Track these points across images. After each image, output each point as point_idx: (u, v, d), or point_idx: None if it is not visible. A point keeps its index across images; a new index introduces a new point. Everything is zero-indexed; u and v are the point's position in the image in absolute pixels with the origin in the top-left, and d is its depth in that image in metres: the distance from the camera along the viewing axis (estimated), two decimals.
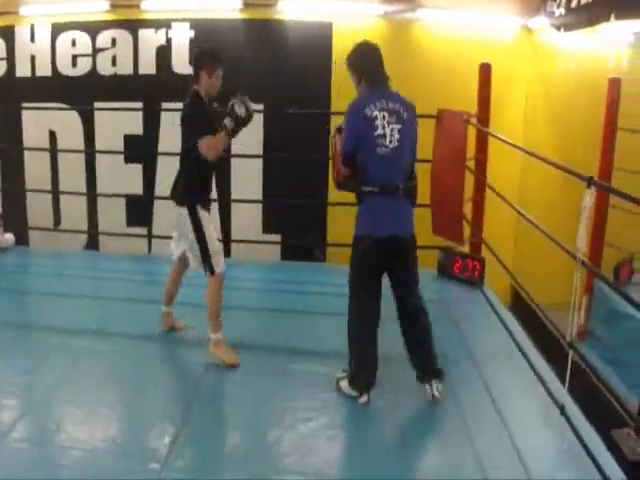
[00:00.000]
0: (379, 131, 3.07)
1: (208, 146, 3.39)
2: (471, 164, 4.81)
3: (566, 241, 3.14)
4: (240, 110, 3.38)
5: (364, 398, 3.15)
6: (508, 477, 2.66)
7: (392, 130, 3.08)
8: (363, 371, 3.17)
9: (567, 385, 3.12)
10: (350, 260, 3.25)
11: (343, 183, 3.27)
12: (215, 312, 3.50)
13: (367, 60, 3.21)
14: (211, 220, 3.60)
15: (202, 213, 3.51)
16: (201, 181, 3.60)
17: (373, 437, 2.96)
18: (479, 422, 3.06)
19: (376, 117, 3.08)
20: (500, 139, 4.36)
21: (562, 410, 2.95)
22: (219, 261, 3.49)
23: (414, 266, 3.29)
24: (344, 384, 3.22)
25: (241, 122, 3.40)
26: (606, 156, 5.62)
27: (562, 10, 5.70)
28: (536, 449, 2.89)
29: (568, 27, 5.89)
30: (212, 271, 3.47)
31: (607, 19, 5.41)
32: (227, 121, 3.39)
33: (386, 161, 3.08)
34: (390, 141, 3.08)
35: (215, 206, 5.98)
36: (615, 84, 5.70)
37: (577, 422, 2.95)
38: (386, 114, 3.09)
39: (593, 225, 5.58)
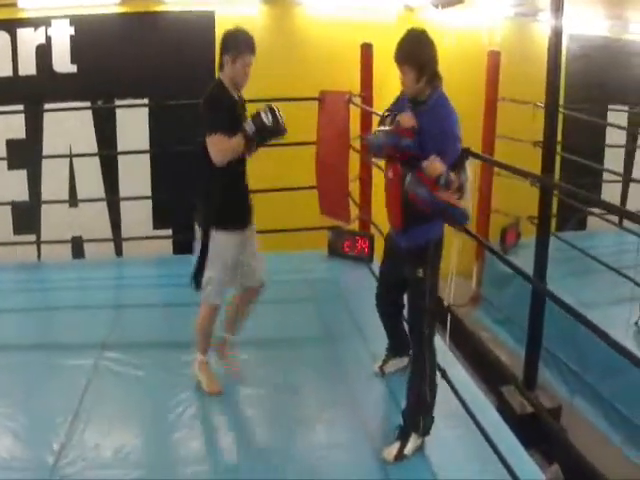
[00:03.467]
0: None
1: (217, 147, 2.85)
2: (357, 143, 4.89)
3: None
4: (267, 118, 2.84)
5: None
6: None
7: None
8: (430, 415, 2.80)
9: (448, 348, 3.24)
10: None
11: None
12: (202, 334, 3.15)
13: (433, 48, 2.75)
14: (240, 243, 3.05)
15: (230, 235, 3.00)
16: (229, 193, 3.01)
17: (253, 418, 3.02)
18: (367, 395, 3.15)
19: None
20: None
21: (443, 374, 3.06)
22: (220, 292, 3.08)
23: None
24: (413, 444, 2.74)
25: (266, 132, 2.85)
26: (488, 126, 5.85)
27: None
28: None
29: (445, 4, 6.08)
30: (206, 297, 3.07)
31: None
32: (248, 126, 2.86)
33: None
34: None
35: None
36: (494, 57, 5.92)
37: (460, 384, 3.06)
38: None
39: (479, 193, 5.82)
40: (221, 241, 2.99)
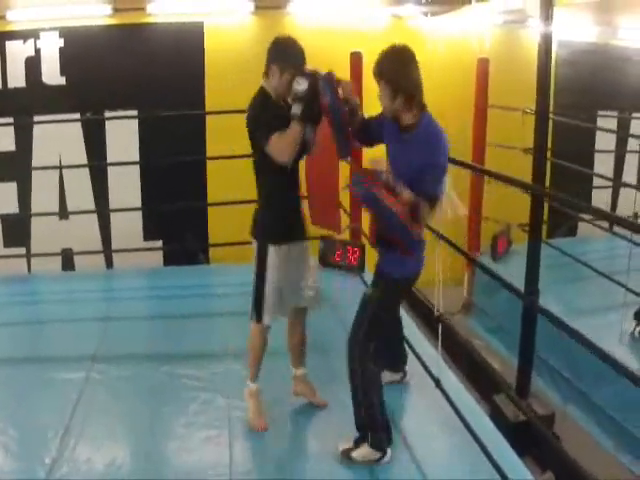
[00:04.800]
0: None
1: (278, 146, 2.69)
2: None
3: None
4: (300, 86, 2.61)
5: (389, 455, 2.73)
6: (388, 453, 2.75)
7: None
8: (383, 429, 2.74)
9: (441, 357, 3.24)
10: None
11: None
12: (252, 358, 3.02)
13: (415, 69, 2.61)
14: (291, 259, 2.96)
15: (274, 252, 2.90)
16: (281, 204, 2.94)
17: (245, 430, 2.98)
18: None
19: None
20: None
21: (437, 383, 3.05)
22: (269, 312, 2.95)
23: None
24: (362, 452, 2.71)
25: (305, 100, 2.61)
26: (478, 133, 5.86)
27: None
28: (415, 424, 3.02)
29: (435, 12, 6.11)
30: (259, 318, 2.95)
31: (469, 2, 5.64)
32: (294, 107, 2.66)
33: None
34: None
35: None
36: (484, 64, 5.95)
37: (454, 393, 3.06)
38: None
39: (470, 201, 5.83)
40: (271, 256, 2.89)
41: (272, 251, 2.89)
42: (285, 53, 2.78)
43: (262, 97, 2.82)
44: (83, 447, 2.87)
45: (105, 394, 3.31)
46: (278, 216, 2.93)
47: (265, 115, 2.75)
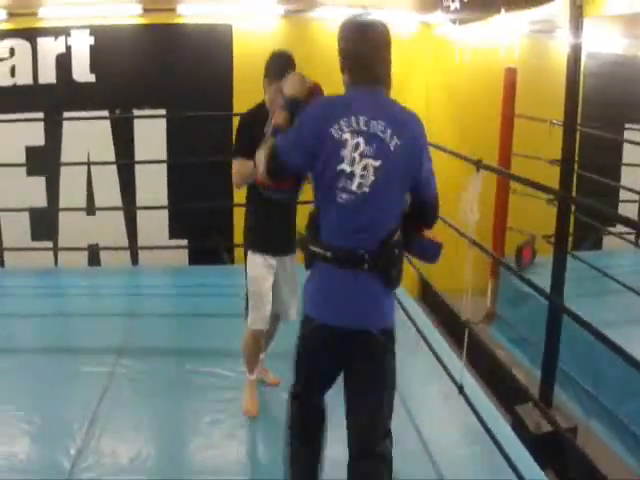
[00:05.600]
0: (344, 166, 1.97)
1: (235, 171, 2.84)
2: None
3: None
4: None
5: None
6: (412, 462, 2.73)
7: (365, 167, 1.98)
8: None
9: (465, 364, 3.22)
10: None
11: (269, 189, 2.26)
12: (245, 357, 3.13)
13: (356, 41, 2.10)
14: (273, 271, 2.99)
15: (254, 258, 2.97)
16: (259, 213, 2.95)
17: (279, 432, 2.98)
18: None
19: (345, 142, 1.98)
20: None
21: (460, 390, 3.05)
22: (255, 319, 3.00)
23: (383, 386, 2.13)
24: None
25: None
26: (505, 143, 5.84)
27: (457, 5, 5.88)
28: (437, 431, 3.00)
29: (463, 21, 6.10)
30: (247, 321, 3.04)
31: (498, 11, 5.62)
32: (267, 127, 2.53)
33: (347, 214, 2.01)
34: (359, 185, 1.98)
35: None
36: (511, 73, 5.93)
37: (477, 401, 3.05)
38: (361, 141, 1.97)
39: (495, 210, 5.81)
40: (249, 262, 2.99)
41: (250, 257, 2.99)
42: (270, 67, 2.90)
43: (256, 109, 2.94)
44: (108, 439, 2.90)
45: (130, 388, 3.35)
46: (257, 225, 2.99)
47: (245, 132, 2.86)
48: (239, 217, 5.85)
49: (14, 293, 4.86)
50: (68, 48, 5.94)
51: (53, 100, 5.88)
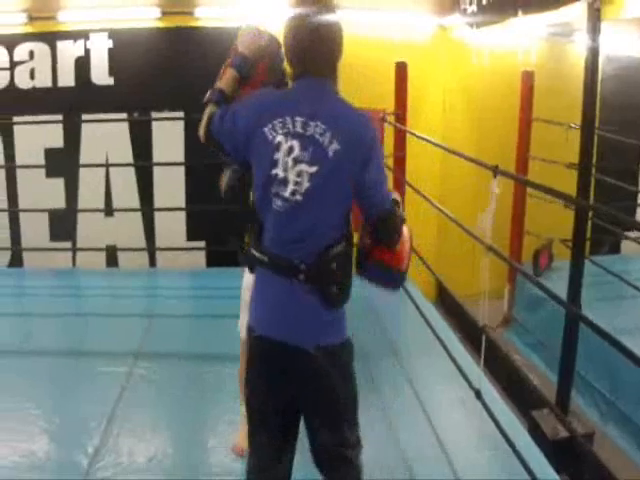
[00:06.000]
0: (278, 170, 1.82)
1: None
2: (390, 161, 4.91)
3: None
4: None
5: None
6: (429, 464, 2.75)
7: (300, 174, 1.81)
8: None
9: (482, 368, 3.21)
10: None
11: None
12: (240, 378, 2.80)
13: (297, 33, 1.89)
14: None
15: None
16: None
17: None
18: (401, 414, 3.13)
19: (278, 145, 1.82)
20: (416, 135, 4.44)
21: (477, 395, 3.04)
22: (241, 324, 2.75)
23: (335, 398, 1.94)
24: None
25: None
26: (522, 147, 5.83)
27: (474, 8, 5.88)
28: (455, 436, 3.00)
29: (480, 24, 6.09)
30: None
31: (515, 14, 5.61)
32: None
33: (282, 222, 1.85)
34: (293, 192, 1.81)
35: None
36: (528, 77, 5.92)
37: (494, 405, 3.04)
38: (296, 144, 1.81)
39: (512, 215, 5.80)
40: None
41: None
42: None
43: None
44: (125, 439, 2.93)
45: (147, 389, 3.37)
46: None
47: None
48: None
49: (33, 293, 4.93)
50: (87, 51, 6.01)
51: (72, 102, 5.94)
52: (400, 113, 5.02)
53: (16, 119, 5.95)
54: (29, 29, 6.03)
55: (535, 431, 3.72)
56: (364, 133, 1.86)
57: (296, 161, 1.81)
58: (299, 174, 1.80)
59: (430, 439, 2.93)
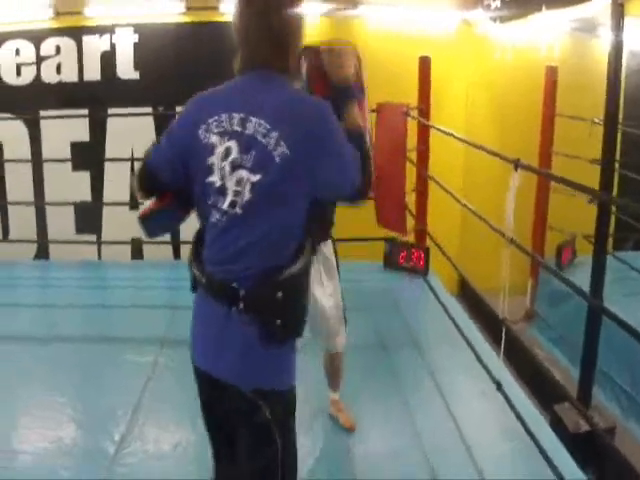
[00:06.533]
0: (213, 178, 1.55)
1: None
2: (413, 155, 4.92)
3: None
4: None
5: None
6: (450, 457, 2.76)
7: (240, 182, 1.51)
8: None
9: (503, 360, 3.22)
10: None
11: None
12: None
13: (241, 14, 1.60)
14: None
15: None
16: None
17: (320, 426, 3.00)
18: (422, 406, 3.14)
19: (212, 147, 1.55)
20: (439, 129, 4.45)
21: (498, 387, 3.06)
22: None
23: (250, 451, 1.67)
24: None
25: None
26: (545, 142, 5.80)
27: (498, 2, 5.86)
28: (475, 427, 2.99)
29: (504, 19, 6.07)
30: None
31: (539, 9, 5.59)
32: None
33: (220, 238, 1.57)
34: (232, 203, 1.53)
35: None
36: (552, 72, 5.88)
37: (515, 398, 3.05)
38: (233, 146, 1.52)
39: (535, 209, 5.78)
40: None
41: None
42: None
43: None
44: (151, 427, 2.98)
45: (173, 378, 3.40)
46: None
47: None
48: None
49: (59, 285, 5.00)
50: (112, 46, 6.10)
51: (98, 97, 6.03)
52: (423, 107, 5.00)
53: (43, 113, 6.06)
54: (55, 24, 6.12)
55: (557, 425, 3.71)
56: (317, 126, 1.52)
57: (234, 166, 1.51)
58: (239, 182, 1.50)
59: (450, 430, 2.94)
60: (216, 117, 1.54)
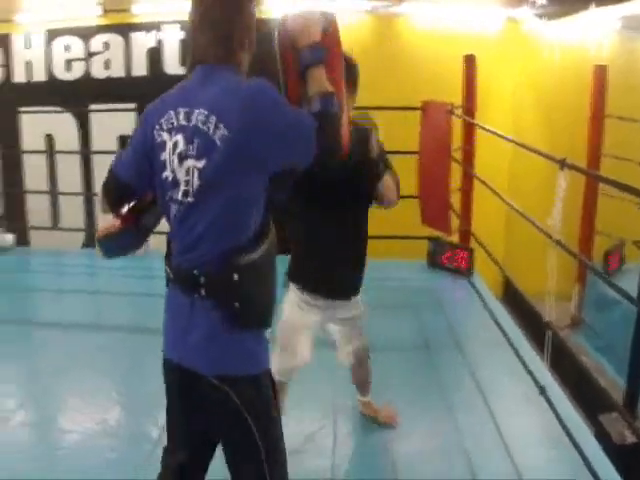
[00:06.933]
0: (167, 172, 1.58)
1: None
2: (458, 154, 4.87)
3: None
4: None
5: None
6: (491, 458, 2.71)
7: (188, 171, 1.54)
8: None
9: (548, 365, 3.16)
10: None
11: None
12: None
13: (189, 18, 1.62)
14: (306, 311, 2.49)
15: (291, 290, 2.51)
16: (305, 243, 2.50)
17: (358, 424, 2.99)
18: (463, 406, 3.10)
19: (164, 144, 1.59)
20: (484, 128, 4.40)
21: (542, 391, 3.00)
22: (277, 366, 2.31)
23: (248, 435, 1.64)
24: None
25: None
26: (593, 143, 5.67)
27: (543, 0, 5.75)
28: (517, 430, 2.94)
29: (550, 16, 5.95)
30: None
31: (587, 6, 5.46)
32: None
33: (180, 229, 1.61)
34: (185, 193, 1.56)
35: None
36: (601, 71, 5.74)
37: (559, 404, 2.99)
38: (180, 139, 1.55)
39: (582, 213, 5.65)
40: (289, 296, 2.51)
41: (290, 291, 2.51)
42: None
43: None
44: None
45: None
46: (300, 258, 2.49)
47: None
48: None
49: (107, 273, 5.10)
50: (159, 42, 6.20)
51: (145, 91, 6.10)
52: (468, 106, 4.94)
53: (92, 107, 6.21)
54: (104, 21, 6.28)
55: (601, 435, 3.62)
56: (254, 102, 1.50)
57: (181, 157, 1.54)
58: (188, 172, 1.53)
59: (491, 431, 2.89)
60: (166, 116, 1.59)
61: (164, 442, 2.61)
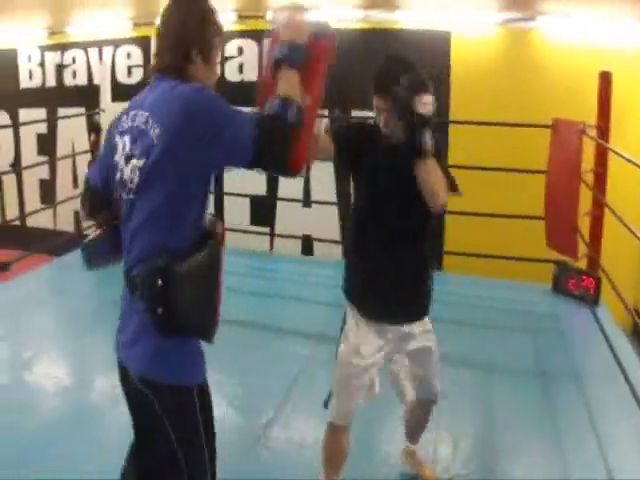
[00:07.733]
0: (118, 174, 1.65)
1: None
2: (589, 177, 4.68)
3: None
4: None
5: None
6: None
7: (132, 170, 1.60)
8: None
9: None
10: None
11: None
12: (322, 457, 2.41)
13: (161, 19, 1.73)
14: (375, 339, 2.22)
15: (350, 314, 2.26)
16: (361, 260, 2.29)
17: (453, 437, 2.97)
18: (574, 442, 2.99)
19: (116, 146, 1.68)
20: (617, 153, 4.15)
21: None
22: (341, 408, 2.25)
23: (150, 444, 1.74)
24: None
25: None
26: None
27: None
28: (628, 465, 2.81)
29: None
30: (325, 406, 2.33)
31: None
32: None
33: (124, 229, 1.67)
34: (129, 191, 1.62)
35: None
36: None
37: None
38: (127, 140, 1.64)
39: None
40: (348, 322, 2.27)
41: (349, 312, 2.28)
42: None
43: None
44: (297, 416, 3.15)
45: (324, 374, 3.43)
46: (358, 274, 2.26)
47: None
48: (452, 225, 5.79)
49: (231, 271, 5.33)
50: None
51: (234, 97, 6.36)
52: (602, 126, 4.74)
53: None
54: (238, 27, 6.64)
55: None
56: (188, 102, 1.55)
57: (127, 157, 1.62)
58: (132, 171, 1.60)
59: (599, 466, 2.79)
60: (122, 119, 1.68)
61: (265, 441, 2.65)
